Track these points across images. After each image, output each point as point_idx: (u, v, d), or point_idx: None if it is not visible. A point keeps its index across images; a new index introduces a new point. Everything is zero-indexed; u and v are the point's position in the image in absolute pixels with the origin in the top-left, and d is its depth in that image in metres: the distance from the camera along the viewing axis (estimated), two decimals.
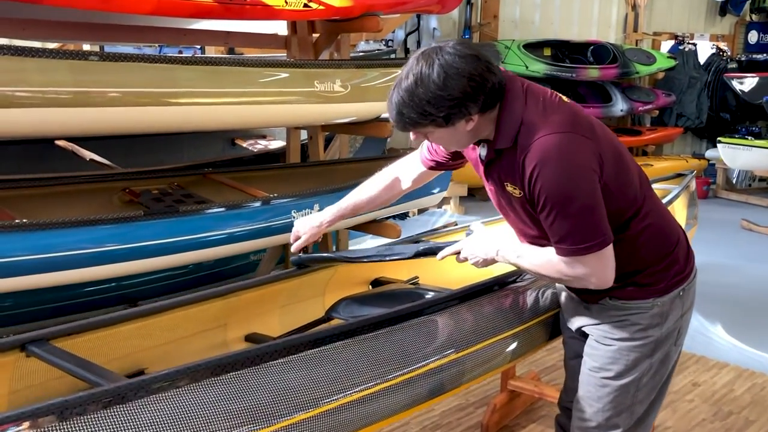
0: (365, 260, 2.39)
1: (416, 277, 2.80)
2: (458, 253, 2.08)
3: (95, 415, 1.40)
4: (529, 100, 1.84)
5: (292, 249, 2.40)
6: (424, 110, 1.75)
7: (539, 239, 1.96)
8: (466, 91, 1.73)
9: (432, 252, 2.22)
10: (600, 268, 1.84)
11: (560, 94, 1.91)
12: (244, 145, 5.57)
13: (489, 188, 2.03)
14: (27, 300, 3.58)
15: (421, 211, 7.84)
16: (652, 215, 1.97)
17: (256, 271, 4.67)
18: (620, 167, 1.89)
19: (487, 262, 2.04)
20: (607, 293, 2.01)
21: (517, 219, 2.00)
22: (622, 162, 1.91)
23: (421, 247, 2.25)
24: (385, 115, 4.26)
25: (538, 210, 1.82)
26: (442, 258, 2.12)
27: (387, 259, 2.33)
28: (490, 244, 2.02)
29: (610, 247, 1.83)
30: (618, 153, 1.90)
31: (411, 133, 1.88)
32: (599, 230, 1.80)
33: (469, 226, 2.17)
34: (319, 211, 3.79)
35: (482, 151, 1.94)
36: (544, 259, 1.90)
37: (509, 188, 1.90)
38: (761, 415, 3.54)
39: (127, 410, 1.44)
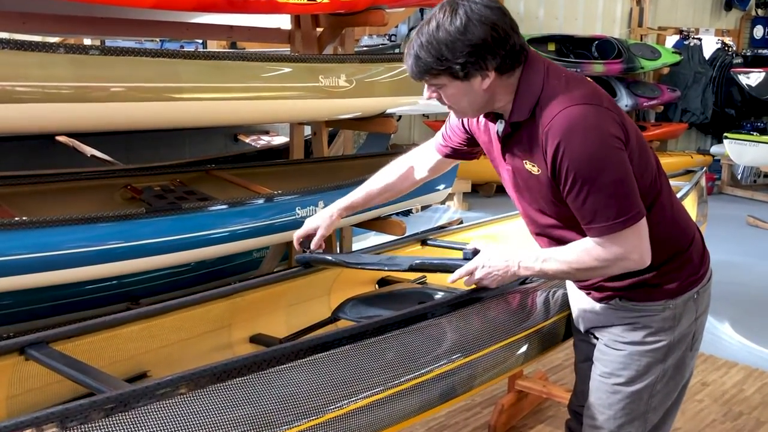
0: (365, 267, 2.35)
1: (424, 277, 2.74)
2: (471, 273, 1.95)
3: (97, 423, 1.35)
4: (551, 74, 1.78)
5: (313, 245, 2.31)
6: (441, 54, 1.69)
7: (553, 229, 1.89)
8: (486, 40, 1.68)
9: (427, 268, 2.19)
10: (638, 243, 1.74)
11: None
12: (247, 140, 5.51)
13: (505, 169, 1.93)
14: (27, 298, 3.52)
15: (424, 208, 7.77)
16: (668, 208, 1.90)
17: (260, 268, 4.61)
18: (642, 150, 1.82)
19: (505, 280, 1.93)
20: (617, 293, 1.94)
21: (533, 203, 1.90)
22: (644, 146, 1.85)
23: (416, 261, 2.20)
24: (390, 110, 4.21)
25: (566, 190, 1.72)
26: (454, 281, 2.00)
27: (386, 269, 2.29)
28: (509, 258, 1.90)
29: (645, 220, 1.75)
30: (640, 136, 1.84)
31: (425, 88, 1.81)
32: (633, 202, 1.72)
33: (465, 247, 2.05)
34: (324, 207, 3.76)
35: (499, 126, 1.87)
36: (577, 252, 1.79)
37: (528, 166, 1.81)
38: None
39: (131, 418, 1.39)
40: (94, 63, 2.99)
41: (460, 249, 2.58)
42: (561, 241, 1.89)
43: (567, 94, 1.72)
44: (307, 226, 2.34)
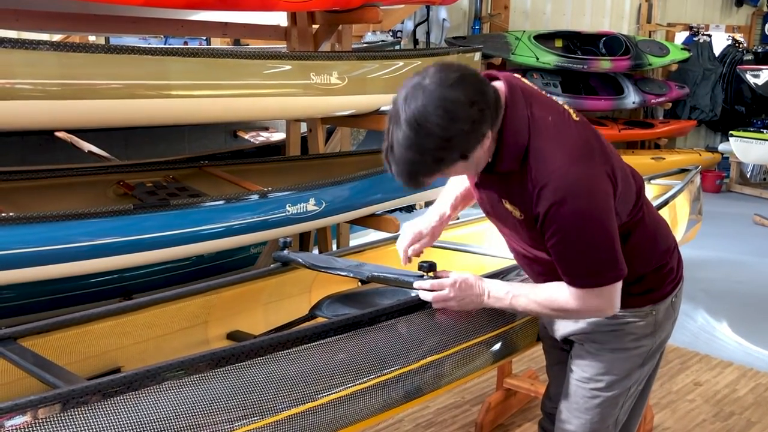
0: (330, 271, 2.35)
1: None
2: (445, 300, 1.91)
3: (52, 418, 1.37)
4: (535, 117, 1.68)
5: (411, 253, 2.12)
6: (436, 157, 1.58)
7: (527, 250, 1.87)
8: (471, 116, 1.57)
9: (381, 281, 2.18)
10: (614, 298, 1.75)
11: (567, 107, 1.76)
12: (246, 137, 5.53)
13: (479, 197, 1.87)
14: (21, 292, 3.56)
15: (428, 204, 7.78)
16: (649, 226, 1.89)
17: (256, 263, 4.63)
18: (626, 185, 1.78)
19: (471, 307, 1.93)
20: None
21: (511, 234, 1.88)
22: (627, 179, 1.80)
23: (374, 272, 2.20)
24: (384, 107, 4.20)
25: (550, 242, 1.69)
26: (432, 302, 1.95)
27: (351, 275, 2.29)
28: (477, 287, 1.88)
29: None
30: (623, 170, 1.79)
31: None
32: (617, 262, 1.70)
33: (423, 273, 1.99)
34: (314, 204, 3.77)
35: None
36: (551, 295, 1.78)
37: (508, 206, 1.76)
38: (763, 417, 3.47)
39: (86, 413, 1.40)
40: (89, 61, 3.01)
41: (442, 247, 2.60)
42: (534, 259, 1.88)
43: (558, 148, 1.64)
44: (410, 231, 2.14)
